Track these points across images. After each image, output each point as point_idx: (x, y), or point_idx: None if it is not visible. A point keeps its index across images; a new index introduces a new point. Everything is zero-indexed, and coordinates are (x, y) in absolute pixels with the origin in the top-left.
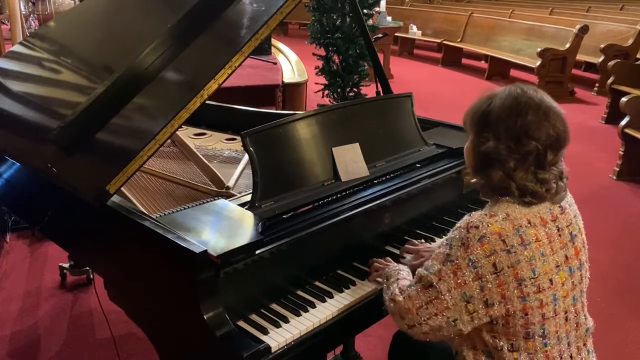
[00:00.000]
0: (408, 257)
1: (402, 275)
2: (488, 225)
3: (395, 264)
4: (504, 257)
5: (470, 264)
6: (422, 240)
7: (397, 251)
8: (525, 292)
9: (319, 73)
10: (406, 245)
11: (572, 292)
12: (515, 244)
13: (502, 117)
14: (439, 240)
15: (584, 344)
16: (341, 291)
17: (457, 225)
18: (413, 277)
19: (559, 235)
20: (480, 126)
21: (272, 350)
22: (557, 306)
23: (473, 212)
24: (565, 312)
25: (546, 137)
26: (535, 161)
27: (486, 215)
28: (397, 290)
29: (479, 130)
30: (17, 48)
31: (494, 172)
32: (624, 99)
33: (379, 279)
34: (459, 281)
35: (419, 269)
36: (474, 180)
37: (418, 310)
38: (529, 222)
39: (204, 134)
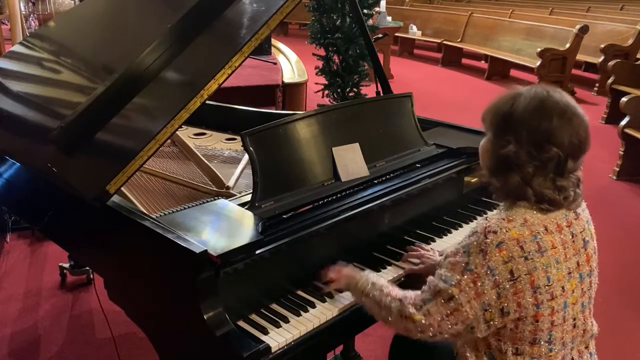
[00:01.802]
0: (414, 261)
1: (382, 282)
2: (506, 231)
3: (350, 270)
4: (521, 263)
5: (489, 271)
6: (430, 248)
7: (397, 250)
8: (540, 299)
9: (319, 73)
10: (409, 252)
11: (581, 298)
12: (532, 251)
13: (525, 120)
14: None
15: (586, 347)
16: (341, 291)
17: (473, 230)
18: (385, 280)
19: (573, 241)
20: (501, 127)
21: (272, 350)
22: (566, 313)
23: (489, 216)
24: (574, 319)
25: (568, 144)
26: (555, 168)
27: (504, 219)
28: (410, 307)
29: (499, 132)
30: (17, 48)
31: (511, 176)
32: (624, 99)
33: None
34: (478, 291)
35: (434, 280)
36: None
37: (440, 323)
38: (546, 229)
39: (204, 134)
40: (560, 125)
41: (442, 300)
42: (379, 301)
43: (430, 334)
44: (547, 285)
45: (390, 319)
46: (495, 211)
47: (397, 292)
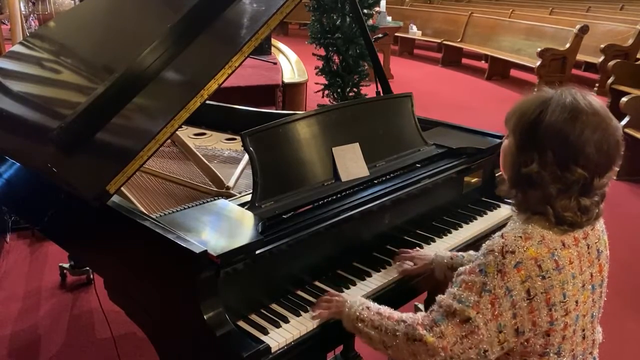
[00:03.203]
0: (408, 263)
1: (377, 305)
2: (524, 251)
3: (345, 297)
4: (538, 283)
5: (507, 292)
6: (417, 248)
7: (397, 250)
8: (555, 316)
9: (319, 73)
10: (400, 255)
11: (592, 309)
12: (550, 269)
13: (552, 135)
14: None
15: (590, 353)
16: (341, 291)
17: (489, 248)
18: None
19: (588, 253)
20: (525, 138)
21: (272, 351)
22: (577, 326)
23: (505, 233)
24: (583, 330)
25: (596, 163)
26: (580, 189)
27: (521, 237)
28: (420, 329)
29: (523, 144)
30: (17, 48)
31: (531, 192)
32: (624, 99)
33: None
34: (496, 312)
35: (446, 299)
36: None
37: (453, 347)
38: (563, 244)
39: (204, 134)
40: (590, 142)
41: (458, 321)
42: (378, 326)
43: (441, 358)
44: (563, 302)
45: (394, 343)
46: (510, 225)
47: (397, 314)
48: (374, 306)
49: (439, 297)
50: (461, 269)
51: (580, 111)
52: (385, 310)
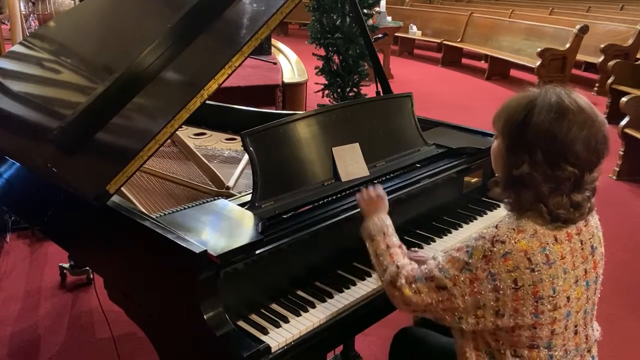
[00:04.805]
0: None
1: (393, 240)
2: (515, 242)
3: (382, 205)
4: (527, 275)
5: (489, 276)
6: (416, 248)
7: None
8: (540, 309)
9: (319, 73)
10: None
11: (585, 305)
12: (540, 263)
13: (540, 137)
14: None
15: (588, 351)
16: (341, 291)
17: (481, 234)
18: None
19: (582, 249)
20: (514, 140)
21: (272, 350)
22: (568, 322)
23: (500, 224)
24: (575, 326)
25: (586, 160)
26: (572, 186)
27: (514, 230)
28: (402, 279)
29: (512, 146)
30: (17, 48)
31: (525, 192)
32: (624, 99)
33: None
34: (475, 290)
35: (431, 264)
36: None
37: (427, 306)
38: (556, 239)
39: (204, 134)
40: (578, 140)
41: (434, 286)
42: (380, 254)
43: (413, 309)
44: (551, 297)
45: (382, 278)
46: (505, 218)
47: (398, 257)
48: (389, 237)
49: (429, 262)
50: (453, 244)
51: (566, 110)
52: (394, 247)
